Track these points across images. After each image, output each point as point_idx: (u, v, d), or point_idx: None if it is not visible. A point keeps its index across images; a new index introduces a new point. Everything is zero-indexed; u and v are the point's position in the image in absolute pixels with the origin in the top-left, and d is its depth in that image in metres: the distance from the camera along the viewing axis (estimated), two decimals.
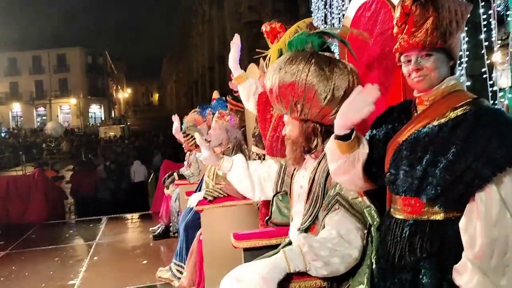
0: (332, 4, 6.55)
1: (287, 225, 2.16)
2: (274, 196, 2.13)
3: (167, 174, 5.54)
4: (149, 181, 9.86)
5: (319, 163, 1.80)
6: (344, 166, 1.51)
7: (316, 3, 6.99)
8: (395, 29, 1.44)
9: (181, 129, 5.12)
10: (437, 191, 1.29)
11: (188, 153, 5.43)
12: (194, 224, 3.54)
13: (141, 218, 6.99)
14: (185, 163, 5.61)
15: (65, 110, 43.10)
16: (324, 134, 1.78)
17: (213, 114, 4.73)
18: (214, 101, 5.01)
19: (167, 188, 5.28)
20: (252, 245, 2.14)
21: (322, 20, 6.87)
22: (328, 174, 1.69)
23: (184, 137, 4.33)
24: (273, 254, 1.98)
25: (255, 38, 17.61)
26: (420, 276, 1.35)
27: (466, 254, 1.25)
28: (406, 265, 1.38)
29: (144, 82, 52.21)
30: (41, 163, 14.52)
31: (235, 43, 2.75)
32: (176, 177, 5.06)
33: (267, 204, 2.43)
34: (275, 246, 2.12)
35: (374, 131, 1.55)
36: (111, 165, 11.98)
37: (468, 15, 1.39)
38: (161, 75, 50.01)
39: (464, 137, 1.26)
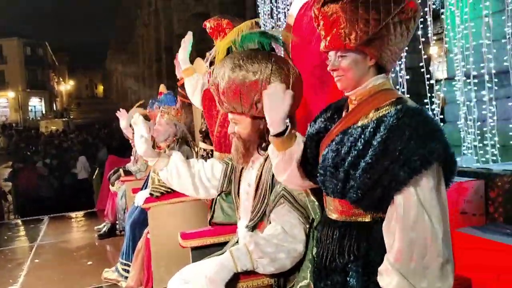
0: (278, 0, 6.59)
1: (229, 224, 2.16)
2: (218, 195, 2.10)
3: (113, 170, 5.37)
4: (94, 177, 9.53)
5: (265, 160, 1.80)
6: (281, 163, 1.53)
7: None
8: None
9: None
10: (358, 195, 1.29)
11: (134, 148, 5.29)
12: (141, 222, 3.45)
13: (86, 216, 6.74)
14: (132, 158, 5.46)
15: (2, 104, 40.65)
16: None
17: (159, 108, 4.64)
18: (162, 95, 4.90)
19: (113, 185, 5.12)
20: (199, 243, 2.12)
21: (268, 14, 6.89)
22: None
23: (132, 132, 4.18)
24: (221, 254, 1.98)
25: (202, 30, 17.50)
26: (348, 278, 1.37)
27: (387, 257, 1.26)
28: (337, 267, 1.39)
29: (88, 73, 50.16)
30: None
31: (187, 39, 2.75)
32: (122, 173, 4.90)
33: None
34: (223, 244, 2.12)
35: (311, 130, 1.56)
36: (52, 161, 11.45)
37: (399, 9, 1.31)
38: (105, 66, 48.31)
39: (383, 139, 1.24)
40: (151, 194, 3.28)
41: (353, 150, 1.31)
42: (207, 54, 2.52)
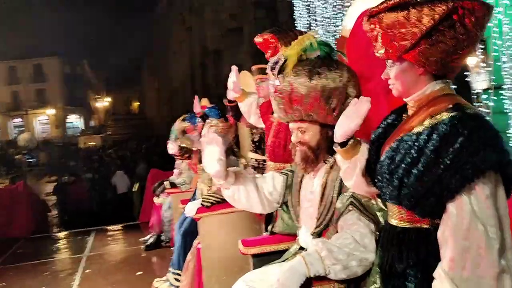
0: (316, 12, 6.65)
1: (289, 234, 2.19)
2: (279, 206, 2.13)
3: (157, 183, 5.49)
4: (134, 191, 9.75)
5: (331, 167, 1.83)
6: (347, 171, 1.58)
7: (299, 10, 7.07)
8: None
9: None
10: (412, 202, 1.29)
11: (179, 161, 5.41)
12: (191, 232, 3.52)
13: (129, 229, 6.91)
14: (175, 171, 5.58)
15: (43, 121, 42.28)
16: None
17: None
18: (206, 109, 5.02)
19: (158, 197, 5.24)
20: (260, 251, 2.15)
21: (307, 28, 6.96)
22: None
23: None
24: (283, 261, 2.01)
25: (237, 45, 17.72)
26: (407, 283, 1.36)
27: (441, 264, 1.25)
28: (396, 272, 1.39)
29: (124, 90, 51.66)
30: (15, 176, 14.15)
31: (233, 72, 2.92)
32: (168, 186, 5.02)
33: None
34: (283, 251, 2.14)
35: (375, 135, 1.58)
36: (94, 175, 11.80)
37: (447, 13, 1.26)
38: (141, 83, 49.61)
39: (435, 147, 1.24)
40: (202, 204, 3.35)
41: (407, 157, 1.31)
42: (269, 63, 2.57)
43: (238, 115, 3.46)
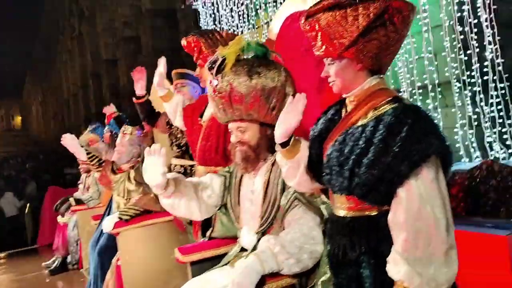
0: (222, 21, 6.72)
1: (228, 237, 2.15)
2: (218, 209, 2.08)
3: (60, 201, 5.06)
4: (26, 213, 8.88)
5: (272, 165, 1.84)
6: (290, 170, 1.60)
7: (205, 19, 7.09)
8: None
9: None
10: (363, 191, 1.36)
11: (84, 175, 5.06)
12: (109, 248, 3.29)
13: (24, 254, 6.25)
14: (81, 186, 5.21)
15: None
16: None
17: (111, 132, 4.49)
18: (112, 119, 4.76)
19: (63, 216, 4.82)
20: (200, 257, 2.07)
21: None
22: None
23: (88, 157, 3.99)
24: (224, 265, 1.97)
25: (133, 54, 17.12)
26: (361, 270, 1.41)
27: (394, 247, 1.32)
28: (350, 260, 1.44)
29: (3, 104, 46.92)
30: None
31: (161, 66, 2.81)
32: (73, 203, 4.65)
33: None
34: (222, 256, 2.09)
35: (314, 132, 1.63)
36: None
37: (380, 10, 1.35)
38: (23, 96, 45.48)
39: (383, 137, 1.31)
40: (120, 218, 3.16)
41: (355, 148, 1.37)
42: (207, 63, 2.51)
43: (152, 119, 3.33)
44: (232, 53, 1.77)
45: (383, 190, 1.33)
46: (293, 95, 1.66)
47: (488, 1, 3.17)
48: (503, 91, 3.21)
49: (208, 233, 2.18)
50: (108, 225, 3.14)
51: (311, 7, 1.43)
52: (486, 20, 3.21)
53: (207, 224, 2.34)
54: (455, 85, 3.50)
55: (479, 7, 3.26)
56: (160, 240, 3.36)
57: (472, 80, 3.37)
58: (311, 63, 2.05)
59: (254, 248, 1.84)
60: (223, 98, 1.79)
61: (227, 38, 2.44)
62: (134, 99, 3.18)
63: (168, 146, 3.55)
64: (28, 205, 9.24)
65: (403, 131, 1.29)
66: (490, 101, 3.28)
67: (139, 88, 3.14)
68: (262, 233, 1.83)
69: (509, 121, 3.21)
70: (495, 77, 3.21)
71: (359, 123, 1.42)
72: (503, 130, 3.25)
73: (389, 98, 1.40)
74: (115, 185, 3.48)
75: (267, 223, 1.82)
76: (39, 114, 38.26)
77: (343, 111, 1.55)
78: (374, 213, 1.41)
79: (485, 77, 3.27)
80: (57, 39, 29.43)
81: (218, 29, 6.71)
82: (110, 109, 4.44)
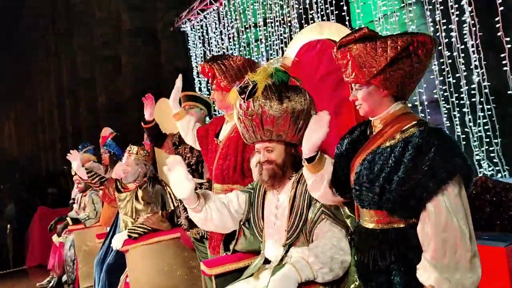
0: (211, 43, 6.89)
1: (250, 251, 2.27)
2: (242, 224, 2.19)
3: (54, 221, 5.04)
4: (8, 234, 8.66)
5: (297, 183, 1.98)
6: (314, 184, 1.76)
7: (194, 41, 7.24)
8: None
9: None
10: (394, 206, 1.51)
11: (79, 194, 5.06)
12: (117, 266, 3.34)
13: (13, 275, 6.12)
14: (75, 205, 5.20)
15: None
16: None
17: (110, 152, 4.56)
18: (108, 139, 4.82)
19: (59, 236, 4.80)
20: (223, 270, 2.17)
21: (201, 57, 7.14)
22: None
23: (89, 176, 4.02)
24: (248, 277, 2.08)
25: (111, 74, 17.08)
26: (392, 277, 1.56)
27: (424, 255, 1.47)
28: (380, 269, 1.58)
29: None
30: None
31: (177, 85, 2.92)
32: (70, 222, 4.65)
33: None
34: (243, 269, 2.20)
35: (339, 150, 1.78)
36: None
37: (407, 46, 1.53)
38: None
39: (412, 157, 1.45)
40: (129, 236, 3.23)
41: (385, 167, 1.53)
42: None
43: (159, 142, 3.44)
44: (262, 79, 1.91)
45: (412, 204, 1.47)
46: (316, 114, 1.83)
47: (474, 28, 3.44)
48: (489, 112, 3.46)
49: (231, 247, 2.28)
50: (117, 242, 3.21)
51: (343, 37, 1.59)
52: (472, 46, 3.47)
53: (226, 239, 2.45)
54: (444, 106, 3.74)
55: (465, 34, 3.53)
56: (166, 257, 3.44)
57: (461, 102, 3.62)
58: (328, 88, 2.22)
59: (281, 260, 1.97)
60: (254, 120, 1.92)
61: (239, 63, 2.57)
62: (142, 123, 3.30)
63: None
64: (8, 226, 9.04)
65: (431, 152, 1.44)
66: (478, 121, 3.53)
67: (148, 115, 3.32)
68: (289, 245, 1.95)
69: (496, 140, 3.46)
70: (482, 99, 3.46)
71: (387, 144, 1.57)
72: (491, 148, 3.49)
73: (415, 122, 1.56)
74: (120, 203, 3.54)
75: (294, 236, 1.94)
76: (12, 132, 37.36)
77: (368, 132, 1.72)
78: (401, 225, 1.56)
79: (473, 99, 3.52)
80: (31, 56, 29.04)
81: (208, 50, 6.90)
82: (107, 131, 4.52)
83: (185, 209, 3.11)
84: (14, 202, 12.20)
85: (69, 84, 21.46)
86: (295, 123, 1.90)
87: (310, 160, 1.71)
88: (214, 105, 3.30)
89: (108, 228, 4.26)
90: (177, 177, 1.92)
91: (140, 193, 3.44)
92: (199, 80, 7.35)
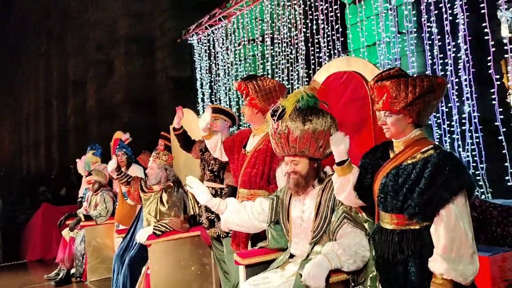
0: (217, 57, 7.28)
1: (276, 249, 2.61)
2: (268, 225, 2.56)
3: (64, 216, 5.29)
4: None
5: (322, 190, 2.36)
6: (340, 186, 2.14)
7: (200, 54, 7.62)
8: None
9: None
10: (415, 210, 1.91)
11: (89, 193, 5.33)
12: (139, 259, 3.64)
13: (11, 268, 6.28)
14: (84, 203, 5.46)
15: None
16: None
17: (127, 154, 4.88)
18: (119, 141, 5.14)
19: (71, 231, 5.05)
20: (254, 261, 2.53)
21: (206, 70, 7.51)
22: (335, 197, 2.27)
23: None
24: (276, 268, 2.44)
25: (102, 77, 17.23)
26: (409, 267, 1.96)
27: (435, 250, 1.88)
28: (398, 261, 1.98)
29: None
30: None
31: (208, 112, 3.24)
32: (83, 219, 4.92)
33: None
34: (270, 262, 2.56)
35: (364, 163, 2.17)
36: None
37: (430, 86, 1.96)
38: None
39: (431, 173, 1.85)
40: (154, 232, 3.55)
41: (408, 180, 1.94)
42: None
43: (188, 147, 3.86)
44: (290, 104, 2.32)
45: (429, 210, 1.89)
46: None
47: (468, 64, 3.92)
48: (477, 140, 3.92)
49: (259, 244, 2.63)
50: (142, 236, 3.53)
51: (380, 73, 2.00)
52: (465, 80, 3.95)
53: (253, 236, 2.81)
54: (436, 132, 4.20)
55: (460, 69, 4.00)
56: (183, 253, 3.77)
57: (452, 129, 4.08)
58: (351, 112, 2.63)
59: (307, 256, 2.34)
60: (282, 138, 2.32)
61: (271, 85, 2.94)
62: (172, 130, 3.66)
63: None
64: None
65: (446, 170, 1.86)
66: (466, 147, 3.98)
67: (176, 123, 3.74)
68: (315, 243, 2.33)
69: (481, 165, 3.91)
70: (471, 128, 3.92)
71: (409, 161, 1.98)
72: (477, 172, 3.94)
73: (432, 146, 1.99)
74: (144, 202, 3.86)
75: (318, 236, 2.32)
76: None
77: (390, 151, 2.12)
78: (417, 227, 1.96)
79: (463, 127, 3.98)
80: (18, 56, 28.89)
81: (214, 64, 7.28)
82: (124, 135, 4.85)
83: (206, 210, 3.47)
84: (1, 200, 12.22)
85: (58, 85, 21.49)
86: (316, 141, 2.28)
87: (340, 163, 2.09)
88: (243, 118, 3.67)
89: (120, 225, 4.56)
90: (196, 191, 2.58)
91: (165, 196, 3.78)
92: (202, 91, 7.70)
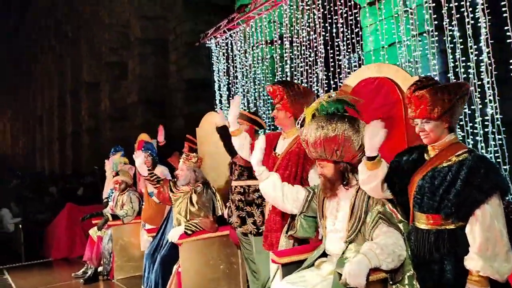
0: (235, 60, 7.38)
1: (305, 238, 2.75)
2: (299, 214, 2.68)
3: (90, 214, 5.47)
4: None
5: (357, 192, 2.45)
6: (368, 179, 2.24)
7: (218, 57, 7.73)
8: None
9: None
10: (451, 210, 2.02)
11: (115, 192, 5.47)
12: (171, 258, 3.77)
13: (35, 267, 6.45)
14: (110, 203, 5.61)
15: None
16: (352, 170, 2.47)
17: (152, 155, 5.01)
18: (145, 143, 5.26)
19: (99, 230, 5.20)
20: (289, 260, 2.63)
21: (224, 72, 7.62)
22: (369, 198, 2.37)
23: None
24: (309, 267, 2.54)
25: (116, 79, 17.44)
26: (445, 265, 2.06)
27: (471, 249, 1.97)
28: (434, 260, 2.08)
29: None
30: None
31: (235, 103, 3.27)
32: (110, 218, 5.06)
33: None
34: (303, 261, 2.66)
35: (399, 161, 2.28)
36: None
37: (462, 92, 2.10)
38: None
39: (466, 175, 1.97)
40: (185, 232, 3.68)
41: (444, 182, 2.05)
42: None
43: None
44: (309, 111, 2.46)
45: (464, 210, 1.99)
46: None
47: (490, 68, 3.98)
48: (500, 142, 3.98)
49: (289, 233, 2.75)
50: (174, 236, 3.65)
51: (419, 83, 2.11)
52: (488, 83, 4.01)
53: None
54: (459, 134, 4.26)
55: (482, 72, 4.06)
56: (212, 252, 3.90)
57: (475, 131, 4.14)
58: (383, 117, 2.70)
59: (343, 253, 2.43)
60: (304, 143, 2.47)
61: (302, 91, 3.05)
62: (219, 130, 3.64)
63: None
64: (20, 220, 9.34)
65: (480, 172, 1.97)
66: (489, 149, 4.04)
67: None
68: (350, 242, 2.42)
69: (504, 167, 3.97)
70: (494, 129, 3.98)
71: (444, 164, 2.08)
72: None
73: (466, 149, 2.09)
74: (174, 202, 3.99)
75: (353, 235, 2.41)
76: (6, 130, 37.31)
77: (425, 155, 2.21)
78: (452, 227, 2.06)
79: (486, 129, 4.04)
80: (33, 57, 29.26)
81: (232, 67, 7.40)
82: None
83: (237, 209, 3.57)
84: (17, 200, 12.44)
85: (72, 86, 21.76)
86: (329, 146, 2.37)
87: (371, 159, 2.19)
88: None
89: (146, 224, 4.70)
90: (256, 148, 2.75)
91: (194, 197, 3.91)
92: (219, 93, 7.82)
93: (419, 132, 2.15)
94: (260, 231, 3.43)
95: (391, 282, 2.19)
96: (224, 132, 3.49)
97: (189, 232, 3.69)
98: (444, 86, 2.09)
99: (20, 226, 8.95)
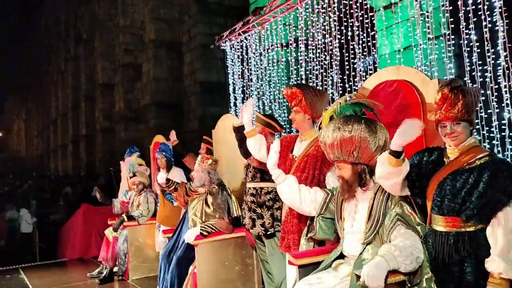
0: (250, 62, 7.42)
1: (323, 239, 2.76)
2: (317, 216, 2.69)
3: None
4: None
5: (375, 194, 2.46)
6: (389, 174, 2.21)
7: (233, 60, 7.77)
8: (435, 106, 2.19)
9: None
10: (474, 212, 2.03)
11: (131, 192, 5.53)
12: (187, 259, 3.80)
13: (50, 266, 6.53)
14: (120, 199, 5.69)
15: None
16: (370, 172, 2.48)
17: (166, 157, 5.05)
18: (161, 144, 5.31)
19: (115, 231, 5.26)
20: (307, 262, 2.64)
21: (239, 75, 7.66)
22: (387, 200, 2.38)
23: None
24: (324, 268, 2.55)
25: (131, 81, 17.63)
26: (465, 267, 2.06)
27: (493, 251, 1.98)
28: (454, 262, 2.08)
29: None
30: None
31: (249, 104, 3.27)
32: (126, 219, 5.12)
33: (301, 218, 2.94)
34: (319, 263, 2.67)
35: (419, 159, 2.28)
36: None
37: (479, 96, 2.20)
38: (4, 113, 44.85)
39: (489, 178, 2.00)
40: (201, 233, 3.71)
41: (466, 184, 2.05)
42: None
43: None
44: (326, 116, 2.49)
45: (486, 213, 2.00)
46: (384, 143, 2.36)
47: (508, 72, 3.95)
48: None
49: (309, 235, 2.76)
50: (190, 236, 3.69)
51: (451, 83, 2.13)
52: (505, 87, 3.98)
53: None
54: (476, 138, 4.23)
55: (499, 75, 4.04)
56: (228, 253, 3.92)
57: (491, 135, 4.11)
58: (402, 118, 2.70)
59: (360, 254, 2.43)
60: (323, 144, 2.50)
61: (319, 94, 3.06)
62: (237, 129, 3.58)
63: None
64: (35, 220, 9.47)
65: (502, 175, 1.98)
66: (506, 153, 4.01)
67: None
68: (367, 243, 2.43)
69: None
70: (511, 134, 3.95)
71: (466, 167, 2.09)
72: None
73: (487, 153, 2.10)
74: (189, 204, 4.03)
75: (371, 236, 2.41)
76: (21, 131, 37.84)
77: (445, 157, 2.22)
78: (472, 229, 2.07)
79: (503, 133, 4.01)
80: (48, 58, 29.66)
81: (247, 69, 7.43)
82: (173, 137, 5.00)
83: (249, 210, 3.58)
84: (35, 199, 12.61)
85: (87, 88, 22.02)
86: (346, 147, 2.38)
87: (396, 155, 2.13)
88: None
89: (161, 225, 4.74)
90: (272, 151, 2.83)
91: (210, 198, 3.94)
92: (234, 96, 7.86)
93: (447, 135, 2.15)
94: (268, 233, 3.46)
95: (409, 285, 2.19)
96: (240, 132, 3.46)
97: (205, 233, 3.72)
98: (470, 89, 2.12)
99: (36, 226, 9.16)
